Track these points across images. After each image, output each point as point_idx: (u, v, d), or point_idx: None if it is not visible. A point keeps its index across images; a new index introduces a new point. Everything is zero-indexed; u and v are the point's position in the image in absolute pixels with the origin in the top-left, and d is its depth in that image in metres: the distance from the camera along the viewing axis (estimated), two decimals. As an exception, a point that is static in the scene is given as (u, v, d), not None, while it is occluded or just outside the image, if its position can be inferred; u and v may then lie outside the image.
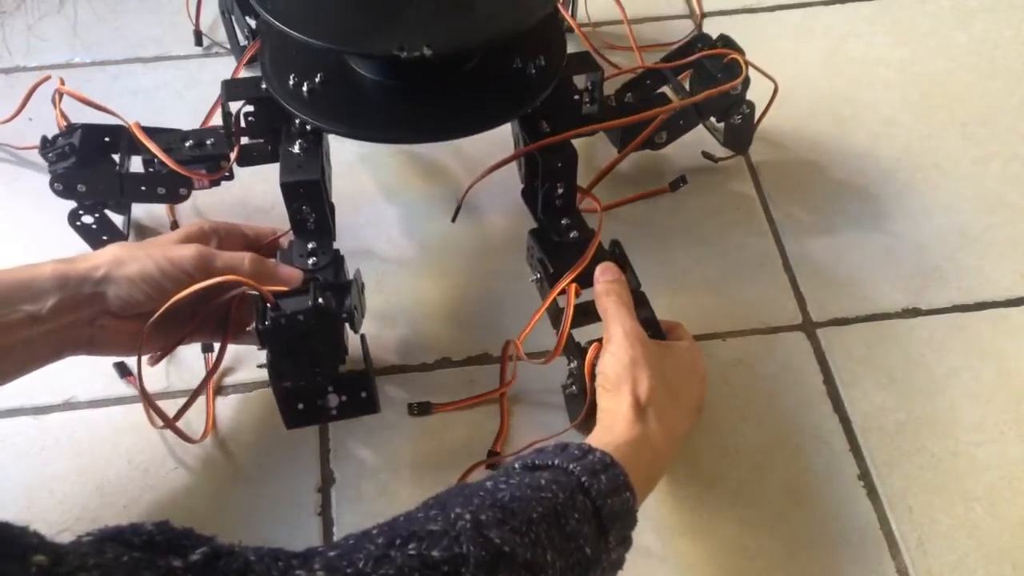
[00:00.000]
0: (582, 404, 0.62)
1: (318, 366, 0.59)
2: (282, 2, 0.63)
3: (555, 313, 0.66)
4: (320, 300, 0.58)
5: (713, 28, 0.94)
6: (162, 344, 0.62)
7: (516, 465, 0.52)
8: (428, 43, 0.60)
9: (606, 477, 0.50)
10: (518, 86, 0.69)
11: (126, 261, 0.58)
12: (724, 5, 1.01)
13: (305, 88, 0.66)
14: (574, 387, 0.64)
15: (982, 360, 0.73)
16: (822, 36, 0.98)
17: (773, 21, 1.00)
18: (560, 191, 0.70)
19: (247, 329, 0.63)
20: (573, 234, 0.68)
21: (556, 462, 0.51)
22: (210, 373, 0.66)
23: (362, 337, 0.64)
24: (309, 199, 0.65)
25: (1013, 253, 0.80)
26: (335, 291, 0.60)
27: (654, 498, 0.64)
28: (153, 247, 0.60)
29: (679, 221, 0.82)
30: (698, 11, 1.00)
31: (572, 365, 0.64)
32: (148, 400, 0.64)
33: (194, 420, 0.67)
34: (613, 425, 0.56)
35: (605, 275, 0.64)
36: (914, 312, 0.76)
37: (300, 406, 0.61)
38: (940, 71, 0.95)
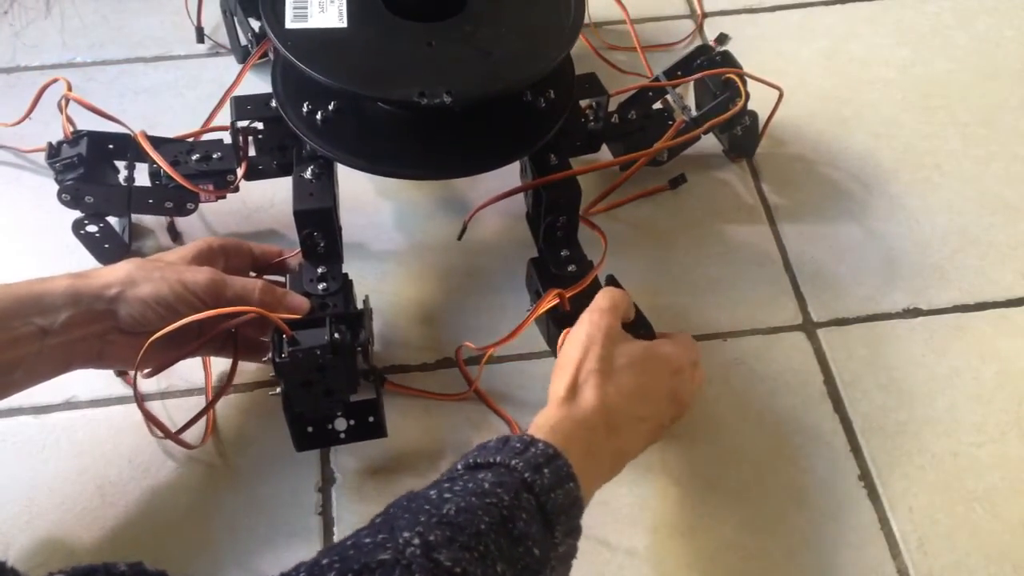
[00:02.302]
0: None
1: (331, 395, 0.61)
2: (303, 42, 0.64)
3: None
4: (336, 335, 0.59)
5: (714, 28, 0.94)
6: (164, 359, 0.62)
7: (459, 466, 0.51)
8: (448, 90, 0.60)
9: (549, 470, 0.49)
10: (529, 120, 0.69)
11: (139, 282, 0.59)
12: (724, 5, 1.01)
13: (319, 117, 0.67)
14: None
15: (982, 360, 0.73)
16: (823, 36, 0.98)
17: (774, 21, 1.00)
18: (562, 223, 0.70)
19: (263, 359, 0.63)
20: (571, 268, 0.69)
21: (498, 459, 0.50)
22: (218, 393, 0.67)
23: (374, 369, 0.65)
24: (321, 226, 0.65)
25: (1014, 253, 0.80)
26: (349, 323, 0.61)
27: (653, 497, 0.65)
28: (167, 268, 0.60)
29: (679, 221, 0.82)
30: (699, 11, 1.00)
31: None
32: (147, 414, 0.64)
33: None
34: (549, 405, 0.56)
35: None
36: (914, 312, 0.76)
37: (310, 429, 0.63)
38: (941, 71, 0.95)
